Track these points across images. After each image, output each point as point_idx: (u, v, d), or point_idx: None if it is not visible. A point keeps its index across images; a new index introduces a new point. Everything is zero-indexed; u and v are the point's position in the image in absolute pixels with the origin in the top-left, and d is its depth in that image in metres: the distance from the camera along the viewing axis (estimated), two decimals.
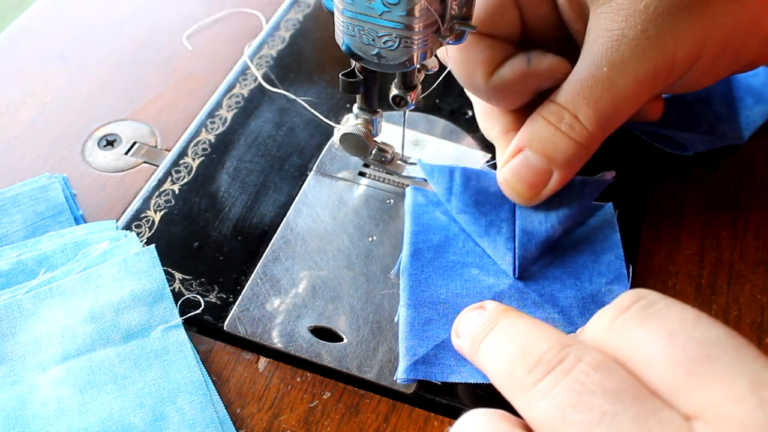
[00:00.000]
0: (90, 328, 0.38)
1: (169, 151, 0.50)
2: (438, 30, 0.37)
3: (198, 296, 0.41)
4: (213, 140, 0.50)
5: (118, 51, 0.57)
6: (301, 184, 0.48)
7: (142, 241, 0.43)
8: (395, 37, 0.36)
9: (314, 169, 0.49)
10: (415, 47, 0.37)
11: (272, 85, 0.54)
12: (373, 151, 0.46)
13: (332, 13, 0.38)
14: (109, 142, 0.50)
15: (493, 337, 0.30)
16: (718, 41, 0.37)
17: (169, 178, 0.48)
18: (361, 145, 0.44)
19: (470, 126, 0.51)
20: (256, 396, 0.38)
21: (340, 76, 0.40)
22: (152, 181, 0.48)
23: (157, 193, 0.47)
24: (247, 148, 0.50)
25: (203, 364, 0.38)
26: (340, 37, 0.38)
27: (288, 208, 0.46)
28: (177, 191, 0.47)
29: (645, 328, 0.25)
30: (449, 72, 0.44)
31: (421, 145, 0.50)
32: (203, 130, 0.51)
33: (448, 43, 0.39)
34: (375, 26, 0.36)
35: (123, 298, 0.39)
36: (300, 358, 0.39)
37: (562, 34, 0.42)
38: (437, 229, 0.44)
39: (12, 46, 0.57)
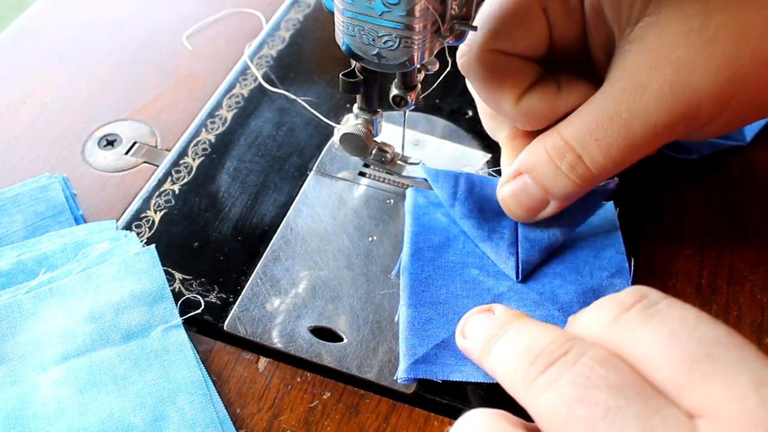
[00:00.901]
0: (90, 328, 0.38)
1: (169, 151, 0.50)
2: (438, 30, 0.37)
3: (198, 296, 0.41)
4: (213, 140, 0.50)
5: (118, 51, 0.57)
6: (301, 184, 0.48)
7: (142, 241, 0.43)
8: (395, 37, 0.36)
9: (314, 169, 0.49)
10: (415, 47, 0.37)
11: (272, 85, 0.54)
12: (373, 151, 0.46)
13: (332, 13, 0.38)
14: (109, 142, 0.50)
15: (505, 341, 0.30)
16: (744, 99, 0.35)
17: (169, 178, 0.48)
18: (361, 145, 0.44)
19: (470, 126, 0.51)
20: (256, 396, 0.38)
21: (340, 76, 0.40)
22: (152, 181, 0.48)
23: (157, 193, 0.47)
24: (247, 148, 0.50)
25: (203, 364, 0.38)
26: (340, 37, 0.38)
27: (288, 208, 0.46)
28: (177, 191, 0.47)
29: (647, 328, 0.25)
30: (449, 72, 0.44)
31: (421, 145, 0.50)
32: (203, 130, 0.51)
33: (449, 44, 0.39)
34: (375, 26, 0.36)
35: (123, 298, 0.39)
36: (300, 358, 0.39)
37: (584, 54, 0.41)
38: (438, 230, 0.44)
39: (12, 46, 0.57)
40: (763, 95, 0.35)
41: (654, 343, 0.24)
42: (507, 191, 0.41)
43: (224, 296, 0.42)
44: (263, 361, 0.39)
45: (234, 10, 0.60)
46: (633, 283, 0.42)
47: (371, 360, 0.39)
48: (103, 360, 0.37)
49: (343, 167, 0.49)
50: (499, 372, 0.29)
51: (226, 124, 0.51)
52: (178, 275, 0.42)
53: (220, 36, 0.59)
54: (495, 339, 0.31)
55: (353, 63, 0.40)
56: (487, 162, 0.49)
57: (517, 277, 0.41)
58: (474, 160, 0.49)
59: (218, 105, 0.53)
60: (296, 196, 0.47)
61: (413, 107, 0.44)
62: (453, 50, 0.42)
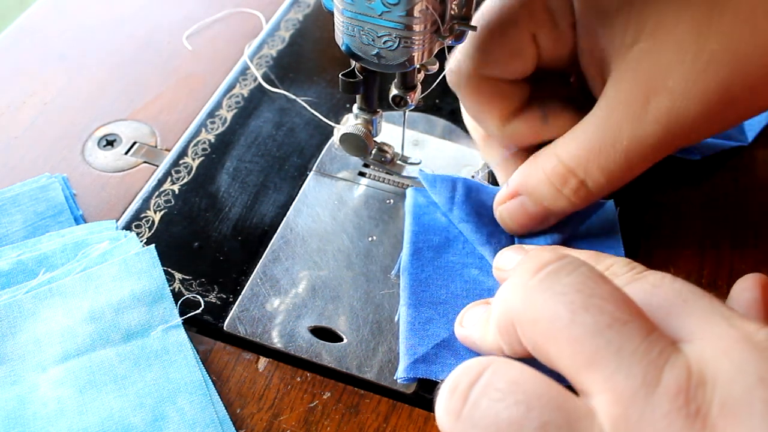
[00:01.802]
0: (90, 328, 0.38)
1: (169, 151, 0.50)
2: (438, 30, 0.37)
3: (198, 296, 0.41)
4: (213, 140, 0.50)
5: (118, 51, 0.57)
6: (301, 184, 0.48)
7: (142, 241, 0.43)
8: (395, 38, 0.36)
9: (314, 169, 0.49)
10: (415, 47, 0.37)
11: (272, 85, 0.54)
12: (373, 151, 0.46)
13: (332, 13, 0.38)
14: (109, 142, 0.50)
15: (511, 281, 0.31)
16: (730, 116, 0.37)
17: (169, 178, 0.48)
18: (361, 145, 0.44)
19: None
20: (256, 396, 0.38)
21: (340, 76, 0.40)
22: (152, 181, 0.48)
23: (157, 193, 0.47)
24: (247, 148, 0.50)
25: (203, 364, 0.38)
26: (340, 37, 0.38)
27: (288, 208, 0.46)
28: (177, 191, 0.47)
29: (633, 286, 0.28)
30: None
31: (421, 145, 0.50)
32: (203, 130, 0.51)
33: (449, 44, 0.39)
34: (375, 26, 0.36)
35: (123, 298, 0.39)
36: (300, 358, 0.39)
37: (573, 68, 0.41)
38: (438, 230, 0.44)
39: (12, 46, 0.57)
40: (747, 113, 0.38)
41: (638, 295, 0.27)
42: (504, 210, 0.42)
43: (224, 296, 0.42)
44: (263, 361, 0.39)
45: (234, 10, 0.60)
46: None
47: (371, 360, 0.39)
48: (103, 360, 0.37)
49: (343, 167, 0.49)
50: (500, 298, 0.29)
51: (226, 124, 0.51)
52: (178, 275, 0.42)
53: (220, 36, 0.59)
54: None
55: (353, 63, 0.40)
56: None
57: None
58: (474, 160, 0.49)
59: (218, 105, 0.53)
60: (296, 196, 0.47)
61: (413, 107, 0.44)
62: (453, 50, 0.42)
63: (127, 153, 0.50)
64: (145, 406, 0.36)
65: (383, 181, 0.48)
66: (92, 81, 0.55)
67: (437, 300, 0.40)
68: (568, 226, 0.43)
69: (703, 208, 0.47)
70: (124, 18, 0.60)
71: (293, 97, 0.52)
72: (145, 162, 0.49)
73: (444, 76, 0.43)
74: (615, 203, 0.45)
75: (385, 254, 0.44)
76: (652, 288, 0.28)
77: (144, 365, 0.37)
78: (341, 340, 0.40)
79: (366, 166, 0.49)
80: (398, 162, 0.47)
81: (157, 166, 0.49)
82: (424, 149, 0.49)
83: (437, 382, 0.37)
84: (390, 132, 0.49)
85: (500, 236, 0.43)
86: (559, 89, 0.42)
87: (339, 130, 0.45)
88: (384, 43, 0.36)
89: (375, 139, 0.45)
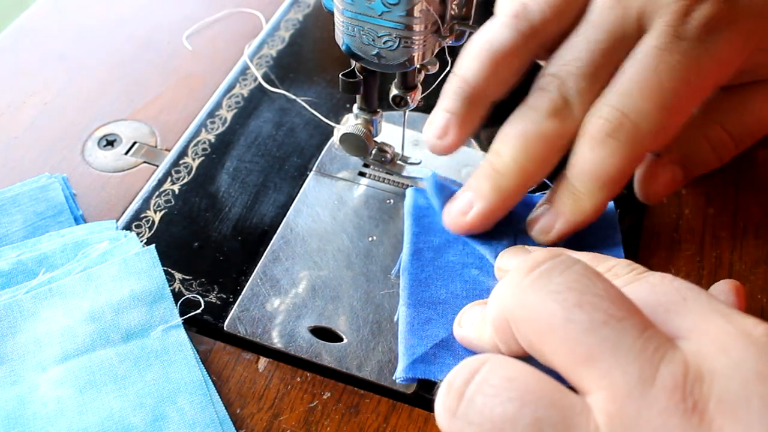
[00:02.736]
0: (90, 328, 0.38)
1: (169, 151, 0.50)
2: (438, 30, 0.37)
3: (198, 296, 0.41)
4: (213, 140, 0.50)
5: (118, 51, 0.57)
6: (301, 184, 0.48)
7: (142, 241, 0.43)
8: (395, 38, 0.36)
9: (314, 169, 0.49)
10: (415, 47, 0.37)
11: (272, 85, 0.54)
12: (373, 151, 0.46)
13: (332, 13, 0.38)
14: (109, 142, 0.50)
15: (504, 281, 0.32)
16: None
17: (169, 178, 0.48)
18: (361, 145, 0.44)
19: None
20: (256, 396, 0.38)
21: (340, 76, 0.40)
22: (152, 181, 0.48)
23: (157, 193, 0.47)
24: (247, 148, 0.50)
25: (203, 364, 0.38)
26: (340, 37, 0.38)
27: (288, 208, 0.46)
28: (177, 191, 0.47)
29: (633, 286, 0.29)
30: (449, 72, 0.44)
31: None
32: (203, 130, 0.51)
33: (449, 44, 0.39)
34: (375, 26, 0.36)
35: (123, 298, 0.39)
36: (300, 358, 0.39)
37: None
38: (438, 232, 0.44)
39: (12, 46, 0.57)
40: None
41: (637, 294, 0.27)
42: (657, 182, 0.44)
43: (224, 296, 0.42)
44: (263, 361, 0.39)
45: (234, 10, 0.60)
46: None
47: (371, 360, 0.39)
48: (103, 360, 0.37)
49: (343, 167, 0.49)
50: (495, 298, 0.30)
51: (226, 124, 0.51)
52: (178, 275, 0.42)
53: (220, 36, 0.59)
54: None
55: (353, 63, 0.40)
56: None
57: None
58: (474, 159, 0.49)
59: (218, 105, 0.53)
60: (296, 196, 0.47)
61: (413, 107, 0.44)
62: (453, 50, 0.42)
63: (127, 153, 0.50)
64: (145, 406, 0.36)
65: (383, 181, 0.48)
66: (92, 81, 0.55)
67: (437, 300, 0.40)
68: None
69: (702, 209, 0.47)
70: (124, 18, 0.60)
71: (293, 97, 0.52)
72: (145, 162, 0.49)
73: (444, 76, 0.43)
74: (615, 204, 0.45)
75: (385, 254, 0.44)
76: (651, 287, 0.28)
77: (144, 365, 0.37)
78: (341, 340, 0.40)
79: (366, 166, 0.49)
80: (398, 162, 0.47)
81: (157, 166, 0.49)
82: (424, 149, 0.49)
83: (436, 382, 0.37)
84: (390, 132, 0.49)
85: (500, 237, 0.43)
86: None
87: (339, 130, 0.45)
88: (384, 43, 0.36)
89: (375, 139, 0.45)
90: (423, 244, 0.43)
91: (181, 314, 0.40)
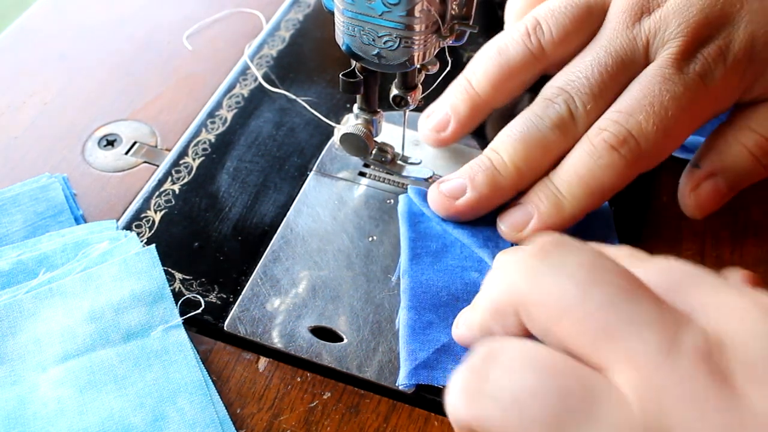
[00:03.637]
0: (90, 328, 0.38)
1: (169, 151, 0.50)
2: (438, 30, 0.37)
3: (198, 296, 0.41)
4: (213, 140, 0.50)
5: (118, 51, 0.57)
6: (301, 184, 0.48)
7: (142, 241, 0.43)
8: (395, 37, 0.36)
9: (314, 169, 0.49)
10: (416, 47, 0.37)
11: (272, 85, 0.54)
12: (373, 151, 0.46)
13: (332, 13, 0.38)
14: (109, 142, 0.50)
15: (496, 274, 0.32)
16: None
17: (169, 178, 0.48)
18: (361, 145, 0.44)
19: None
20: (256, 396, 0.38)
21: (340, 76, 0.40)
22: (152, 181, 0.48)
23: (157, 193, 0.47)
24: (247, 148, 0.50)
25: (203, 364, 0.38)
26: (341, 37, 0.38)
27: (288, 208, 0.46)
28: (177, 191, 0.47)
29: (638, 270, 0.28)
30: (449, 72, 0.44)
31: (421, 145, 0.50)
32: (203, 130, 0.51)
33: (449, 44, 0.39)
34: (375, 26, 0.36)
35: (123, 298, 0.39)
36: (300, 358, 0.39)
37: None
38: (434, 237, 0.44)
39: (12, 46, 0.57)
40: None
41: (646, 277, 0.27)
42: (699, 195, 0.44)
43: (224, 296, 0.42)
44: (263, 361, 0.39)
45: (234, 10, 0.60)
46: None
47: (371, 360, 0.39)
48: (103, 360, 0.37)
49: (343, 167, 0.49)
50: (498, 285, 0.30)
51: (226, 124, 0.51)
52: (178, 275, 0.42)
53: (220, 36, 0.59)
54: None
55: (353, 63, 0.40)
56: None
57: None
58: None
59: (218, 105, 0.53)
60: (296, 196, 0.47)
61: (413, 107, 0.44)
62: (453, 50, 0.42)
63: (127, 153, 0.50)
64: (145, 406, 0.36)
65: (383, 181, 0.48)
66: (92, 81, 0.55)
67: (438, 303, 0.40)
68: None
69: None
70: (124, 18, 0.60)
71: (293, 97, 0.52)
72: (145, 162, 0.49)
73: (444, 76, 0.43)
74: (611, 203, 0.45)
75: (385, 254, 0.44)
76: (660, 270, 0.28)
77: (144, 365, 0.37)
78: (341, 340, 0.40)
79: (366, 166, 0.49)
80: (398, 162, 0.47)
81: (158, 166, 0.49)
82: (424, 149, 0.49)
83: (439, 388, 0.37)
84: (390, 132, 0.49)
85: (497, 239, 0.43)
86: None
87: (339, 130, 0.45)
88: (384, 43, 0.36)
89: (375, 139, 0.45)
90: (421, 250, 0.43)
91: (181, 314, 0.40)
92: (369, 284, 0.42)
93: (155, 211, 0.46)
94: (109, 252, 0.41)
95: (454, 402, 0.26)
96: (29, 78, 0.54)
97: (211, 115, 0.52)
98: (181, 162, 0.49)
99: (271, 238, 0.44)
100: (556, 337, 0.26)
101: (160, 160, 0.49)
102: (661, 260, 0.29)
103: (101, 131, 0.51)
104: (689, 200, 0.44)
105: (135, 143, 0.50)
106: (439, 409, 0.37)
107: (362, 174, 0.48)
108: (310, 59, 0.57)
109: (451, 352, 0.38)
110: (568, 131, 0.41)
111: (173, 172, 0.48)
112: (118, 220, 0.45)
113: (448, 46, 0.40)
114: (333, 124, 0.50)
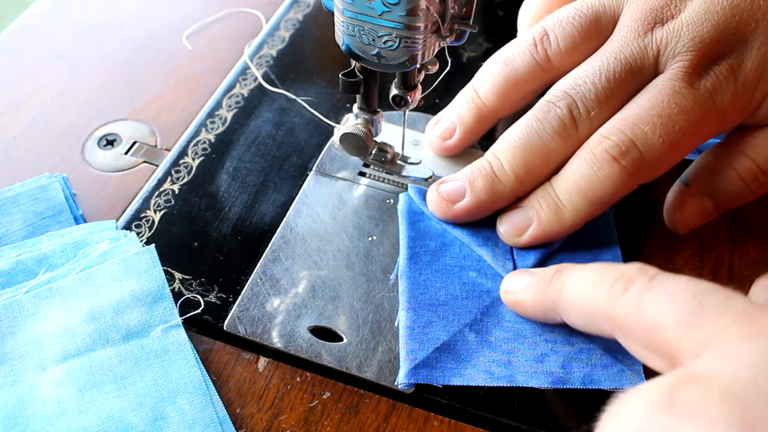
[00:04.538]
0: (90, 327, 0.38)
1: (169, 150, 0.50)
2: (438, 30, 0.37)
3: (198, 296, 0.41)
4: (213, 140, 0.50)
5: (118, 51, 0.57)
6: (301, 184, 0.48)
7: (141, 241, 0.43)
8: (395, 37, 0.36)
9: (314, 169, 0.49)
10: (416, 47, 0.37)
11: (272, 85, 0.54)
12: (373, 151, 0.46)
13: (332, 13, 0.38)
14: (109, 142, 0.50)
15: (576, 275, 0.35)
16: None
17: (169, 178, 0.48)
18: (361, 145, 0.44)
19: None
20: (256, 396, 0.38)
21: (340, 76, 0.40)
22: (152, 181, 0.48)
23: (157, 192, 0.47)
24: (247, 148, 0.50)
25: (203, 364, 0.38)
26: (340, 37, 0.38)
27: (288, 208, 0.46)
28: (177, 191, 0.47)
29: (649, 296, 0.30)
30: (449, 72, 0.44)
31: (421, 145, 0.50)
32: (203, 130, 0.51)
33: (449, 44, 0.39)
34: (375, 26, 0.36)
35: (123, 298, 0.39)
36: (300, 358, 0.39)
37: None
38: (434, 235, 0.44)
39: (12, 46, 0.57)
40: None
41: (658, 307, 0.29)
42: (684, 212, 0.44)
43: (224, 296, 0.42)
44: (263, 361, 0.39)
45: (234, 10, 0.60)
46: None
47: (371, 360, 0.39)
48: (102, 360, 0.37)
49: (343, 167, 0.49)
50: (575, 296, 0.35)
51: (226, 124, 0.51)
52: (177, 275, 0.42)
53: (220, 36, 0.59)
54: (561, 277, 0.36)
55: (353, 63, 0.40)
56: None
57: None
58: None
59: (218, 105, 0.53)
60: (296, 196, 0.47)
61: (413, 107, 0.44)
62: (453, 50, 0.42)
63: (127, 153, 0.50)
64: (145, 406, 0.36)
65: (383, 181, 0.48)
66: (92, 81, 0.55)
67: (436, 302, 0.40)
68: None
69: None
70: (124, 18, 0.60)
71: (293, 97, 0.52)
72: (145, 162, 0.49)
73: (444, 76, 0.43)
74: (615, 205, 0.45)
75: (385, 254, 0.44)
76: (669, 297, 0.30)
77: (144, 365, 0.37)
78: (341, 340, 0.40)
79: (366, 166, 0.49)
80: (398, 162, 0.47)
81: (157, 165, 0.49)
82: (424, 149, 0.49)
83: (439, 388, 0.37)
84: (390, 132, 0.49)
85: (496, 239, 0.43)
86: None
87: (339, 130, 0.45)
88: (384, 42, 0.36)
89: (375, 139, 0.45)
90: (419, 248, 0.43)
91: (181, 314, 0.40)
92: (369, 284, 0.42)
93: (155, 211, 0.46)
94: (108, 252, 0.41)
95: (640, 407, 0.27)
96: (29, 78, 0.54)
97: (210, 115, 0.52)
98: (180, 162, 0.49)
99: (270, 238, 0.44)
100: (641, 347, 0.31)
101: (159, 160, 0.49)
102: (670, 281, 0.31)
103: (101, 131, 0.51)
104: (675, 216, 0.44)
105: (135, 143, 0.50)
106: (438, 408, 0.37)
107: (362, 174, 0.48)
108: (309, 59, 0.57)
109: (451, 351, 0.38)
110: (570, 137, 0.40)
111: (173, 172, 0.48)
112: (117, 219, 0.45)
113: (448, 46, 0.40)
114: (333, 124, 0.50)
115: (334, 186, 0.47)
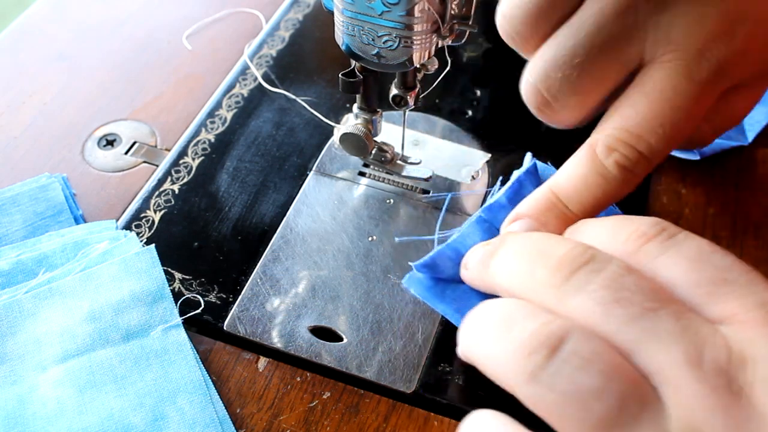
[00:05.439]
0: (90, 327, 0.38)
1: (169, 150, 0.50)
2: (438, 30, 0.37)
3: (198, 296, 0.41)
4: (213, 140, 0.50)
5: (118, 51, 0.57)
6: (301, 184, 0.48)
7: (141, 241, 0.43)
8: (395, 37, 0.36)
9: (314, 169, 0.49)
10: (415, 47, 0.37)
11: (272, 85, 0.54)
12: (373, 151, 0.46)
13: (332, 13, 0.38)
14: (109, 142, 0.50)
15: (504, 250, 0.31)
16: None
17: (169, 178, 0.48)
18: (361, 145, 0.44)
19: (470, 126, 0.51)
20: (256, 396, 0.38)
21: (340, 76, 0.40)
22: (152, 181, 0.48)
23: (156, 192, 0.47)
24: (247, 148, 0.50)
25: (203, 363, 0.38)
26: (340, 37, 0.38)
27: (288, 208, 0.46)
28: (177, 191, 0.47)
29: (667, 256, 0.28)
30: (449, 72, 0.44)
31: (421, 145, 0.50)
32: (203, 129, 0.51)
33: (449, 44, 0.39)
34: (375, 26, 0.36)
35: (123, 298, 0.39)
36: (300, 357, 0.39)
37: None
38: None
39: (12, 46, 0.57)
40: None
41: (674, 270, 0.27)
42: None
43: (224, 296, 0.42)
44: (263, 361, 0.39)
45: (234, 10, 0.60)
46: None
47: (371, 360, 0.39)
48: (102, 360, 0.37)
49: (342, 167, 0.49)
50: (503, 279, 0.30)
51: (226, 124, 0.51)
52: (177, 275, 0.42)
53: (220, 36, 0.59)
54: (493, 251, 0.31)
55: (353, 63, 0.40)
56: (487, 162, 0.49)
57: None
58: (474, 159, 0.49)
59: (218, 105, 0.53)
60: (296, 196, 0.47)
61: (413, 107, 0.44)
62: (453, 50, 0.42)
63: (127, 153, 0.50)
64: (145, 405, 0.36)
65: (383, 181, 0.48)
66: (92, 81, 0.55)
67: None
68: None
69: (702, 209, 0.47)
70: (124, 18, 0.60)
71: (293, 97, 0.52)
72: (145, 162, 0.49)
73: (444, 76, 0.43)
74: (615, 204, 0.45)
75: (385, 254, 0.44)
76: (690, 264, 0.27)
77: (144, 365, 0.37)
78: (341, 339, 0.40)
79: (366, 166, 0.49)
80: (398, 162, 0.47)
81: (157, 165, 0.49)
82: (424, 149, 0.49)
83: (439, 381, 0.37)
84: (390, 132, 0.49)
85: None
86: None
87: (339, 130, 0.45)
88: (384, 42, 0.36)
89: (375, 139, 0.45)
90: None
91: (181, 314, 0.40)
92: (369, 284, 0.42)
93: (155, 211, 0.46)
94: (108, 252, 0.41)
95: (510, 375, 0.26)
96: (29, 78, 0.54)
97: (210, 115, 0.52)
98: (180, 162, 0.49)
99: (270, 238, 0.44)
100: None
101: (159, 159, 0.49)
102: (691, 247, 0.28)
103: (101, 131, 0.51)
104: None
105: (135, 143, 0.50)
106: (438, 408, 0.37)
107: (362, 174, 0.48)
108: (309, 59, 0.57)
109: (450, 284, 0.34)
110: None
111: (173, 171, 0.48)
112: (117, 219, 0.45)
113: (447, 46, 0.40)
114: (333, 123, 0.50)
115: (334, 186, 0.47)
